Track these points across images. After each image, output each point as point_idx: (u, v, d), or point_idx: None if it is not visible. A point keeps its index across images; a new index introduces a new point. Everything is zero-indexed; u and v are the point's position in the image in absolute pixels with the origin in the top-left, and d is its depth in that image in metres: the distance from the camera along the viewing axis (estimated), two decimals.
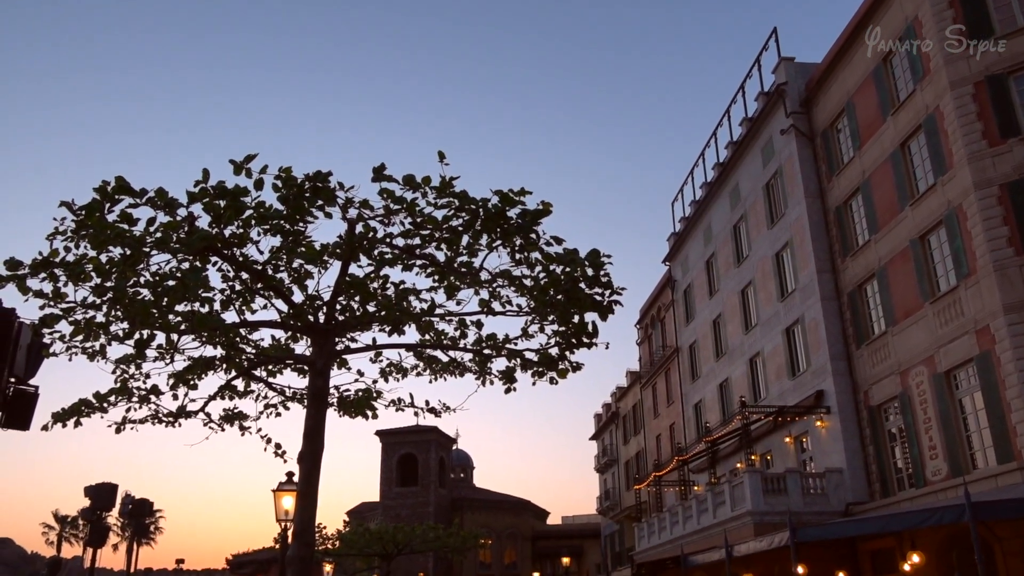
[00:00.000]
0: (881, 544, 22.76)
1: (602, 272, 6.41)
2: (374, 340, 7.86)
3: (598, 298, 6.52)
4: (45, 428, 7.47)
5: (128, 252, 6.10)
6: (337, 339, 7.40)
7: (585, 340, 7.00)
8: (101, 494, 21.40)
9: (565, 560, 49.08)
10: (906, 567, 20.82)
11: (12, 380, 9.07)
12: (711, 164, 37.50)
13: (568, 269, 6.37)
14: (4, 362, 8.56)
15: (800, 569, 19.69)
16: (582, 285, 6.48)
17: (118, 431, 7.88)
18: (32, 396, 9.68)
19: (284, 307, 7.21)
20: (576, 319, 6.81)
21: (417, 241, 6.65)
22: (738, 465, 30.11)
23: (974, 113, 20.33)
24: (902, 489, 22.49)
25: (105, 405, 7.42)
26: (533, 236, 6.32)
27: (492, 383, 7.92)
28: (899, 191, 23.07)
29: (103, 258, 6.18)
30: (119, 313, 6.61)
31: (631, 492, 48.54)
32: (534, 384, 7.64)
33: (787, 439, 28.25)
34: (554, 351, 7.30)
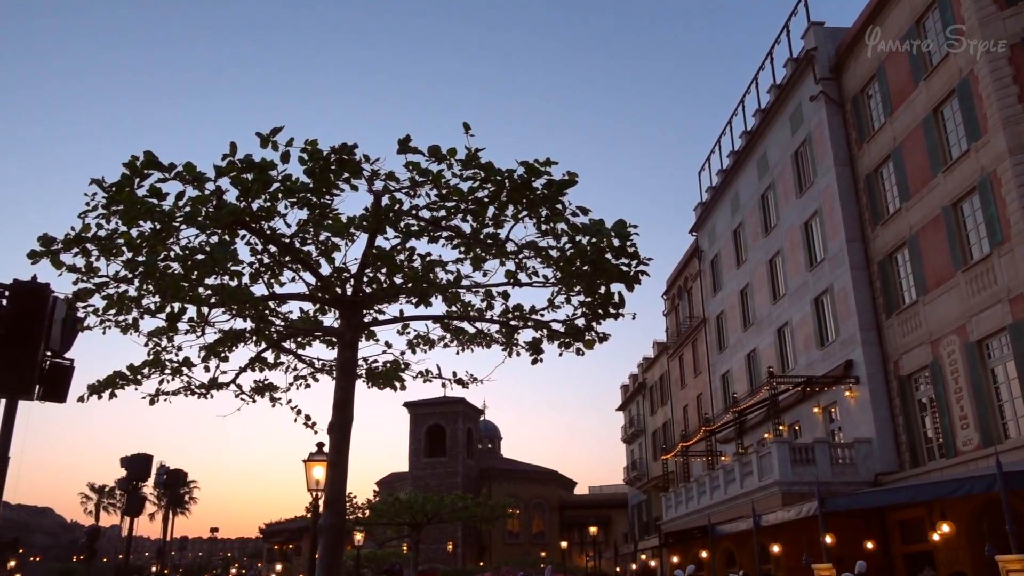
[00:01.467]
0: (911, 514, 22.66)
1: (628, 242, 6.38)
2: (401, 312, 7.91)
3: (624, 268, 6.49)
4: (81, 400, 7.62)
5: (158, 226, 6.16)
6: (365, 311, 7.45)
7: (611, 311, 6.99)
8: (137, 465, 21.84)
9: (592, 529, 49.34)
10: (936, 537, 20.73)
11: (48, 354, 9.25)
12: (738, 132, 37.03)
13: (594, 240, 6.35)
14: (40, 336, 8.74)
15: (828, 539, 19.68)
16: (608, 256, 6.45)
17: (152, 403, 8.02)
18: (68, 369, 9.86)
19: (312, 280, 7.26)
20: (602, 290, 6.79)
21: (443, 213, 6.65)
22: (766, 435, 30.03)
23: (1009, 76, 19.85)
24: (932, 459, 22.34)
25: (139, 377, 7.54)
26: (559, 207, 6.29)
27: (519, 354, 7.94)
28: (931, 157, 22.65)
29: (134, 233, 6.25)
30: (150, 287, 6.70)
31: (658, 462, 48.67)
32: (561, 355, 7.65)
33: (815, 409, 28.11)
34: (580, 322, 7.30)
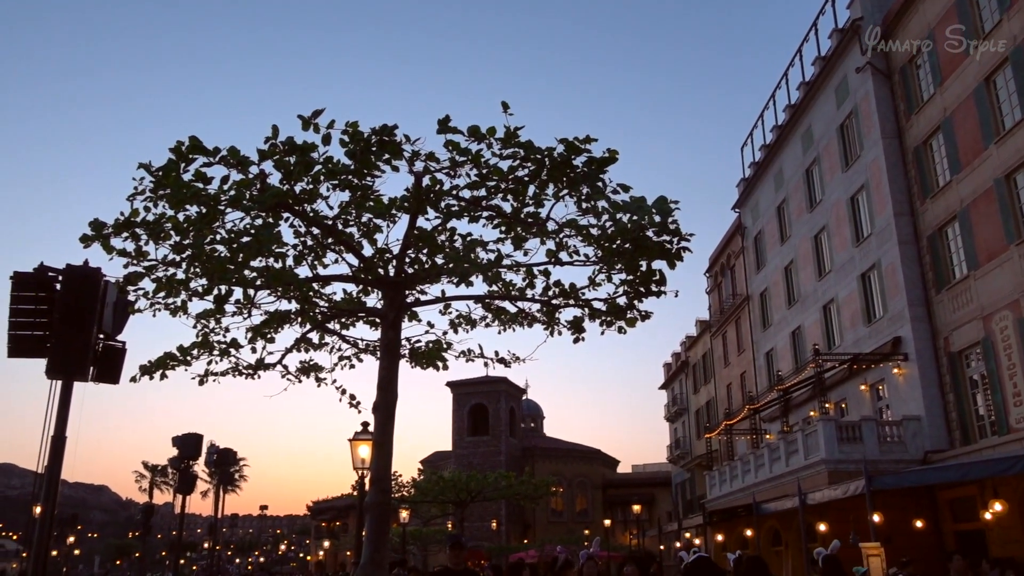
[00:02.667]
0: (961, 492, 22.27)
1: (670, 219, 6.32)
2: (443, 292, 7.94)
3: (666, 246, 6.44)
4: (134, 380, 7.79)
5: (204, 210, 6.26)
6: (407, 292, 7.50)
7: (653, 289, 6.94)
8: (188, 444, 22.33)
9: (636, 508, 49.35)
10: (988, 516, 20.35)
11: (101, 336, 9.48)
12: (782, 106, 36.36)
13: (635, 217, 6.30)
14: (93, 319, 8.95)
15: (876, 517, 19.43)
16: (650, 233, 6.40)
17: (201, 383, 8.17)
18: (120, 351, 10.10)
19: (355, 261, 7.33)
20: (644, 267, 6.74)
21: (483, 192, 6.64)
22: (811, 413, 29.69)
23: None
24: (983, 437, 21.88)
25: (188, 358, 7.69)
26: (599, 184, 6.25)
27: (560, 333, 7.93)
28: (983, 128, 22.01)
29: (180, 217, 6.36)
30: (198, 269, 6.82)
31: (702, 441, 48.46)
32: (603, 333, 7.63)
33: (862, 387, 27.68)
34: (622, 300, 7.26)
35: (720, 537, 36.94)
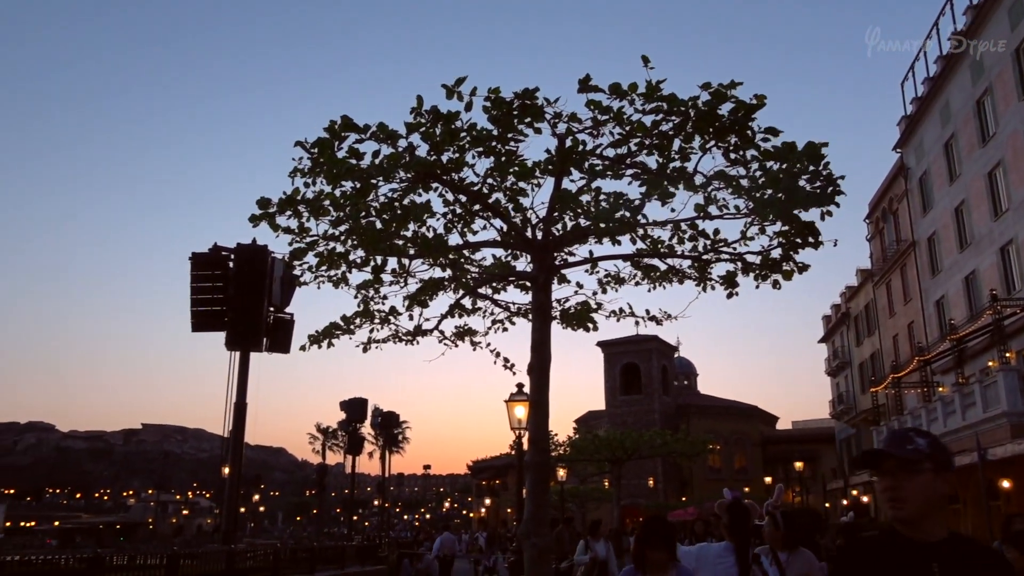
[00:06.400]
0: None
1: (822, 164, 6.03)
2: (591, 253, 7.93)
3: (820, 193, 6.15)
4: (303, 349, 8.25)
5: (358, 185, 6.53)
6: (555, 254, 7.54)
7: (810, 239, 6.65)
8: (354, 408, 23.59)
9: (798, 465, 47.92)
10: None
11: (271, 309, 10.11)
12: (946, 34, 33.56)
13: (785, 164, 6.04)
14: (264, 294, 9.55)
15: None
16: (802, 182, 6.13)
17: (364, 350, 8.56)
18: (289, 322, 10.75)
19: (502, 226, 7.43)
20: (798, 217, 6.47)
21: (627, 150, 6.55)
22: (990, 363, 27.74)
23: None
24: None
25: (352, 327, 8.06)
26: (748, 133, 6.03)
27: (713, 288, 7.75)
28: None
29: (337, 192, 6.66)
30: (355, 242, 7.13)
31: (867, 395, 46.40)
32: (757, 287, 7.39)
33: None
34: (777, 252, 7.00)
35: None
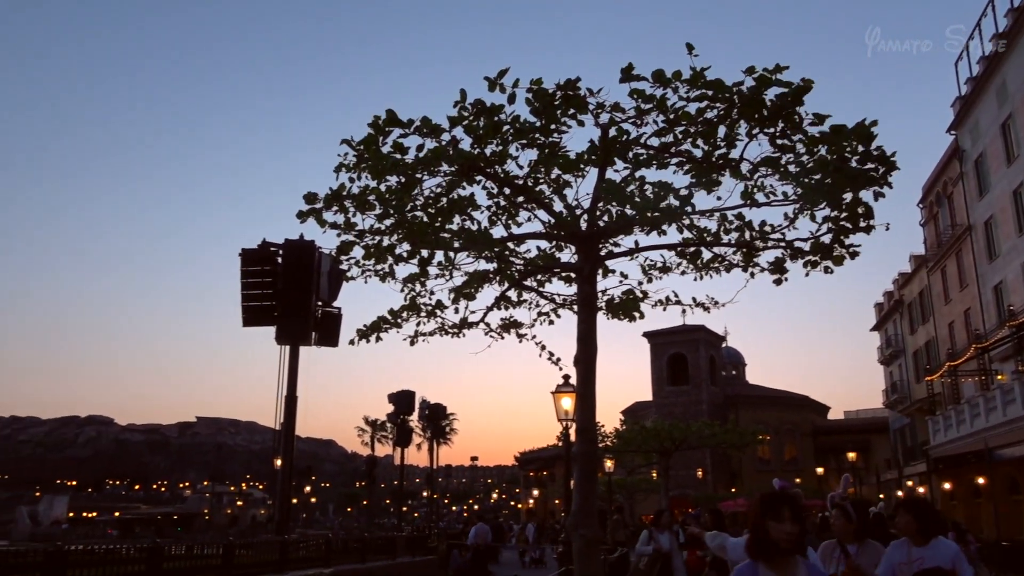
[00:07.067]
0: None
1: (873, 146, 5.89)
2: (636, 243, 7.86)
3: (871, 174, 6.02)
4: (352, 343, 8.33)
5: (403, 179, 6.57)
6: (600, 244, 7.50)
7: (861, 224, 6.51)
8: (402, 400, 23.80)
9: (851, 455, 47.12)
10: None
11: (319, 304, 10.23)
12: (1003, 11, 32.55)
13: (834, 148, 5.92)
14: (312, 288, 9.68)
15: None
16: (852, 163, 6.00)
17: (412, 343, 8.61)
18: (337, 316, 10.86)
19: (547, 218, 7.41)
20: (849, 199, 6.34)
21: (671, 139, 6.48)
22: None
23: None
24: None
25: (399, 320, 8.12)
26: (796, 118, 5.92)
27: (761, 272, 7.63)
28: None
29: (382, 187, 6.71)
30: (401, 236, 7.18)
31: (922, 384, 45.41)
32: (807, 275, 7.25)
33: None
34: (827, 238, 6.87)
35: (947, 486, 34.59)
